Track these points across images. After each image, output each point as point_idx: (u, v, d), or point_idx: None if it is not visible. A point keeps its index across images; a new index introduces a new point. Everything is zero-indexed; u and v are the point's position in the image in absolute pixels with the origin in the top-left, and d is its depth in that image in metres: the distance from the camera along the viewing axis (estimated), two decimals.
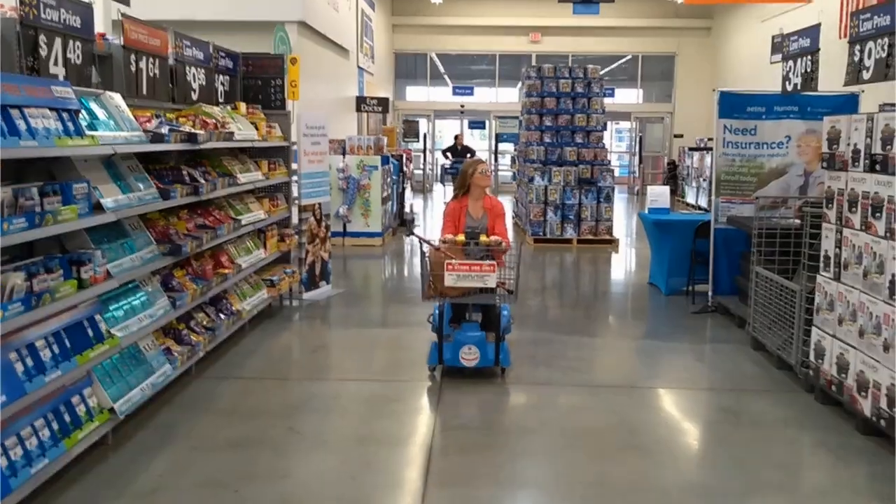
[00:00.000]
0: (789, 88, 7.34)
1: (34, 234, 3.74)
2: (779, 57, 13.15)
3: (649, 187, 10.84)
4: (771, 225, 6.85)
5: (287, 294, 8.24)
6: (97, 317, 4.52)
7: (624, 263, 12.01)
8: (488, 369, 5.85)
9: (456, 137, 20.92)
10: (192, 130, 5.83)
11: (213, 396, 5.52)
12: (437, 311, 5.84)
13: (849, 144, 5.01)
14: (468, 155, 18.37)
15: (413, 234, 6.42)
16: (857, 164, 4.90)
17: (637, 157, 25.05)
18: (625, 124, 27.96)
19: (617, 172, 27.67)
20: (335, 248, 11.96)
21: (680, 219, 9.13)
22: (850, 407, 4.93)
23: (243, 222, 6.93)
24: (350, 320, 8.07)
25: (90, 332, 4.40)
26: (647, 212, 9.43)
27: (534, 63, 21.74)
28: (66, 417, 4.12)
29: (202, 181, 6.00)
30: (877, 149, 4.68)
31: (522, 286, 10.24)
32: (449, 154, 21.41)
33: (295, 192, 8.46)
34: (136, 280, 5.20)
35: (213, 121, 6.54)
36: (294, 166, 8.46)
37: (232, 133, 6.69)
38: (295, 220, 8.48)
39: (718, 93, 8.06)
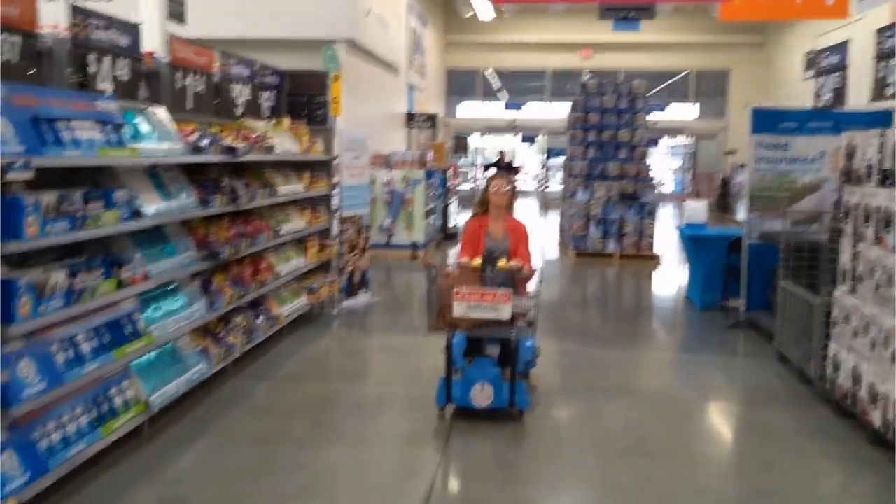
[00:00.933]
0: (820, 104, 7.37)
1: (75, 237, 4.08)
2: (811, 73, 13.06)
3: (686, 202, 10.89)
4: (799, 240, 6.89)
5: (327, 301, 8.54)
6: (136, 315, 4.86)
7: (664, 279, 12.04)
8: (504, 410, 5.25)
9: (500, 153, 20.77)
10: (232, 143, 6.16)
11: (246, 394, 5.82)
12: (455, 345, 5.18)
13: (863, 159, 5.09)
14: (514, 172, 18.25)
15: (417, 258, 5.91)
16: (870, 178, 4.97)
17: (690, 174, 24.91)
18: (679, 140, 27.85)
19: (671, 189, 27.79)
20: (378, 260, 12.28)
21: (714, 234, 9.17)
22: (863, 419, 4.98)
23: (283, 232, 7.26)
24: (385, 328, 8.34)
25: (128, 329, 4.74)
26: (683, 227, 9.50)
27: (593, 79, 21.86)
28: (104, 407, 4.45)
29: (242, 192, 6.33)
30: (888, 164, 4.75)
31: (562, 299, 10.61)
32: (493, 170, 21.47)
33: (336, 204, 8.78)
34: (176, 282, 5.54)
35: (255, 135, 6.89)
36: (335, 179, 8.78)
37: (272, 147, 7.03)
38: (335, 230, 8.79)
39: (751, 109, 8.13)
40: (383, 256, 12.27)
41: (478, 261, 5.35)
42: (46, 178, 4.31)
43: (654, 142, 27.16)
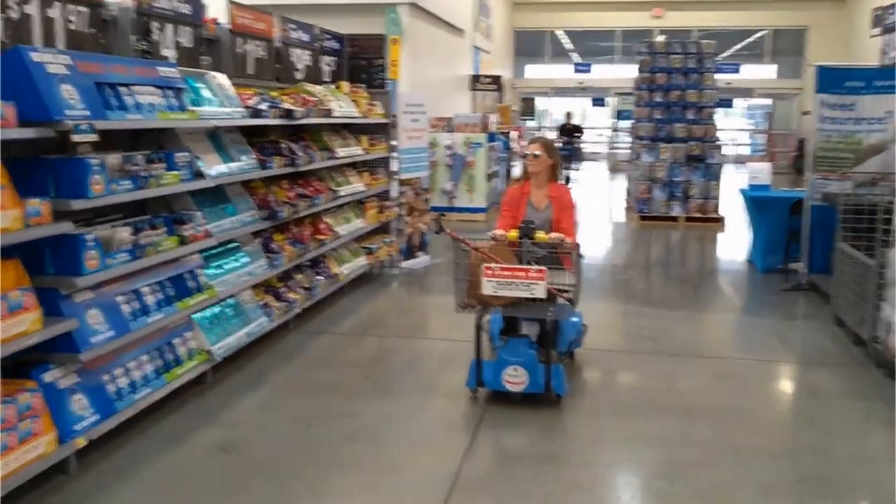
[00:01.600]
0: (885, 62, 7.17)
1: (137, 195, 4.36)
2: (878, 30, 12.51)
3: (749, 163, 10.71)
4: (858, 201, 6.77)
5: (386, 262, 8.77)
6: (198, 270, 5.15)
7: (729, 242, 11.89)
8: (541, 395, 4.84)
9: (568, 115, 19.99)
10: (290, 107, 6.38)
11: (305, 348, 6.11)
12: (493, 321, 4.82)
13: None
14: (577, 135, 18.03)
15: (443, 230, 5.11)
16: None
17: (766, 135, 24.28)
18: (755, 101, 27.11)
19: (747, 151, 27.12)
20: (440, 221, 12.44)
21: (776, 196, 9.02)
22: None
23: (341, 193, 7.49)
24: (442, 287, 8.51)
25: (191, 283, 5.03)
26: (746, 188, 9.38)
27: (655, 37, 21.43)
28: (168, 355, 4.76)
29: (300, 154, 6.56)
30: None
31: (626, 263, 10.62)
32: (558, 133, 20.21)
33: (395, 167, 8.97)
34: (238, 241, 5.83)
35: (314, 99, 7.10)
36: (394, 142, 8.96)
37: (330, 110, 7.23)
38: (394, 193, 8.99)
39: (816, 67, 7.94)
40: (445, 219, 12.46)
41: (514, 233, 4.86)
42: (114, 141, 4.62)
43: (729, 103, 26.52)
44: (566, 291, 5.02)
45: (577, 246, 4.99)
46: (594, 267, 10.09)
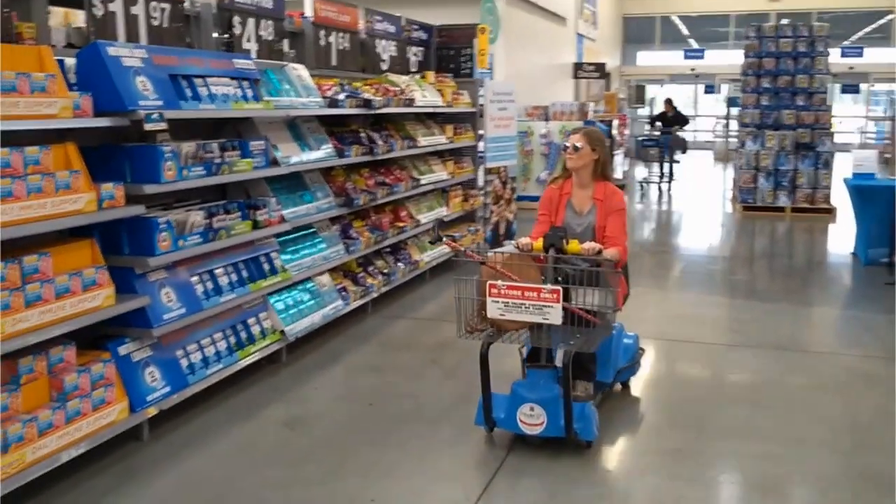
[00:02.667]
0: None
1: (210, 181, 4.63)
2: None
3: (854, 151, 10.20)
4: None
5: (472, 250, 8.87)
6: (273, 254, 5.40)
7: (837, 233, 11.38)
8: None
9: (667, 102, 17.98)
10: (369, 97, 6.57)
11: (380, 331, 6.30)
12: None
13: None
14: (679, 125, 16.64)
15: (441, 239, 4.47)
16: None
17: (893, 122, 22.94)
18: (881, 87, 25.69)
19: (872, 140, 25.70)
20: (534, 212, 12.47)
21: (882, 184, 8.59)
22: None
23: (423, 182, 7.64)
24: None
25: (266, 266, 5.29)
26: (850, 177, 8.97)
27: (772, 22, 20.63)
28: (242, 334, 5.03)
29: (379, 143, 6.75)
30: None
31: (723, 253, 10.35)
32: (658, 123, 18.12)
33: (481, 156, 9.06)
34: (315, 227, 6.07)
35: (396, 89, 7.27)
36: (481, 131, 9.04)
37: (412, 99, 7.38)
38: (480, 181, 9.08)
39: None
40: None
41: (539, 242, 4.02)
42: (195, 130, 4.92)
43: (855, 88, 25.23)
44: (601, 315, 4.00)
45: (615, 263, 4.06)
46: (691, 258, 9.91)
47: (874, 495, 3.70)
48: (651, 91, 26.64)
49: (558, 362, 4.03)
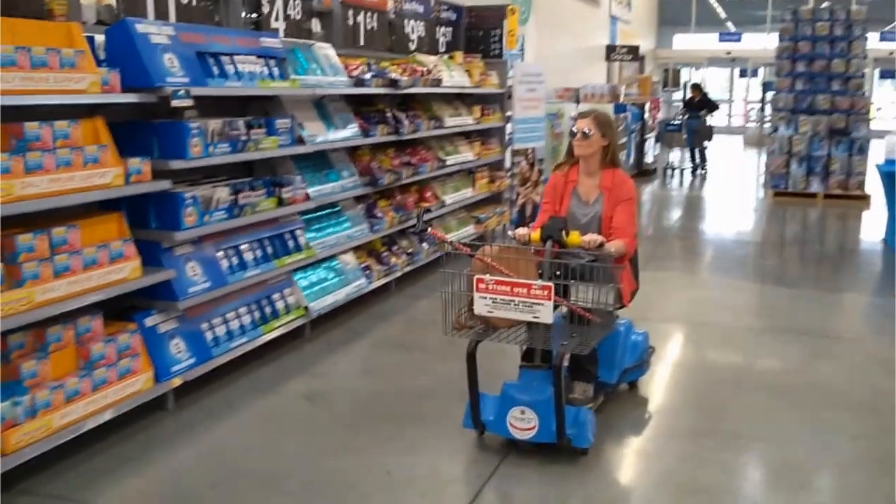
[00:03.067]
0: None
1: (235, 158, 4.70)
2: None
3: (888, 136, 10.03)
4: None
5: (497, 231, 8.90)
6: (298, 231, 5.48)
7: (869, 221, 11.22)
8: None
9: (694, 87, 17.06)
10: (396, 76, 6.60)
11: (401, 309, 6.36)
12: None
13: None
14: (707, 110, 16.06)
15: (426, 229, 3.90)
16: None
17: None
18: None
19: None
20: None
21: None
22: None
23: (449, 162, 7.66)
24: None
25: (290, 243, 5.36)
26: (882, 163, 8.83)
27: (812, 4, 20.23)
28: (266, 309, 5.11)
29: (405, 123, 6.78)
30: None
31: (751, 239, 10.27)
32: (683, 107, 17.21)
33: (508, 137, 9.06)
34: (340, 205, 6.13)
35: (423, 69, 7.29)
36: (508, 112, 9.03)
37: (440, 80, 7.40)
38: (507, 163, 9.08)
39: None
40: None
41: (536, 234, 3.74)
42: (223, 107, 4.99)
43: (893, 74, 24.74)
44: (603, 312, 3.73)
45: (619, 257, 3.80)
46: (720, 242, 9.84)
47: (893, 481, 3.68)
48: (686, 74, 26.34)
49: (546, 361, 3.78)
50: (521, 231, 3.83)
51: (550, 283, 3.42)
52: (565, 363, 3.72)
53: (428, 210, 4.86)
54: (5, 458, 3.31)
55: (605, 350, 4.17)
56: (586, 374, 4.09)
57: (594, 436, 3.78)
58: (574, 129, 4.00)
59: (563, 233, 3.66)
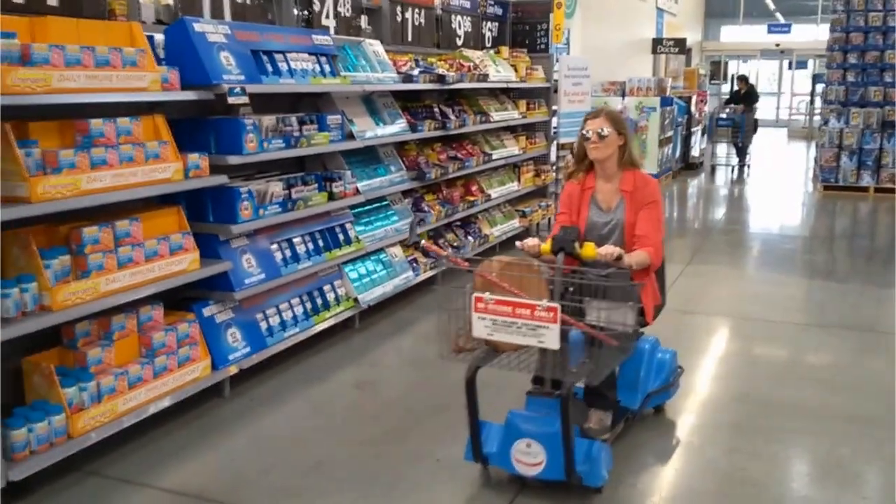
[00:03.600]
0: None
1: (288, 153, 4.80)
2: None
3: None
4: None
5: (541, 225, 8.93)
6: (348, 225, 5.58)
7: None
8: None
9: (740, 80, 16.58)
10: (443, 72, 6.66)
11: (447, 301, 6.42)
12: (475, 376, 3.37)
13: None
14: (751, 103, 15.60)
15: (419, 243, 3.60)
16: None
17: None
18: None
19: None
20: None
21: None
22: None
23: (495, 157, 7.71)
24: None
25: (341, 236, 5.47)
26: None
27: None
28: (318, 300, 5.23)
29: (452, 118, 6.84)
30: None
31: (798, 233, 10.14)
32: (728, 100, 16.82)
33: (554, 131, 9.07)
34: (388, 199, 6.22)
35: (470, 64, 7.34)
36: (554, 107, 9.04)
37: (486, 75, 7.44)
38: (553, 157, 9.10)
39: None
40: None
41: (547, 245, 3.42)
42: (276, 104, 5.11)
43: None
44: (623, 335, 3.27)
45: (642, 269, 3.50)
46: (767, 237, 9.74)
47: None
48: (733, 67, 25.97)
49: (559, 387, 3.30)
50: (531, 242, 3.50)
51: (556, 305, 2.94)
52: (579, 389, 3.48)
53: (422, 220, 4.22)
54: (73, 441, 3.46)
55: (628, 371, 3.84)
56: (603, 401, 3.65)
57: (609, 472, 3.35)
58: (586, 133, 3.61)
59: (577, 244, 3.31)
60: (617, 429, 3.72)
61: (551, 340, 2.97)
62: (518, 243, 3.58)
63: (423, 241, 3.56)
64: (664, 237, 3.74)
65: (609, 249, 3.31)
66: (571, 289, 3.25)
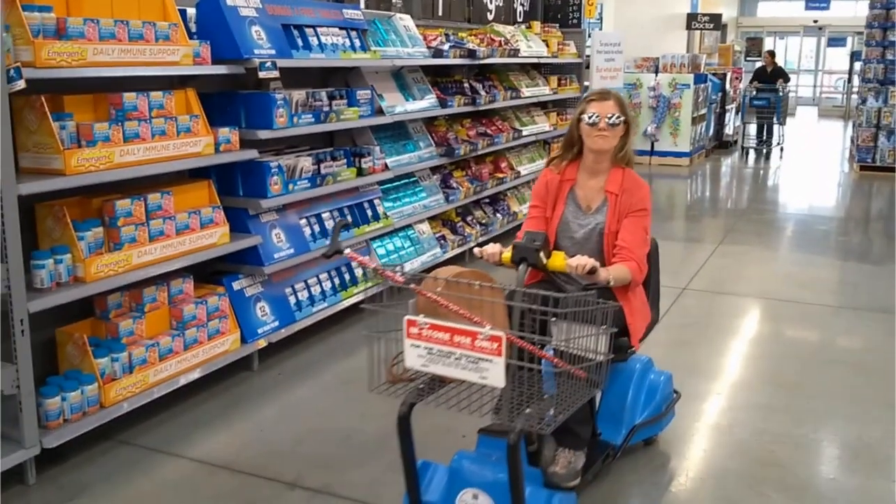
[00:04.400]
0: None
1: (318, 128, 4.82)
2: None
3: None
4: None
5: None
6: (376, 201, 5.60)
7: None
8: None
9: (768, 55, 15.71)
10: (473, 47, 6.63)
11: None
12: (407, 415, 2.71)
13: None
14: (780, 81, 14.84)
15: (341, 251, 2.80)
16: None
17: None
18: None
19: None
20: (640, 166, 12.34)
21: None
22: None
23: (524, 133, 7.68)
24: None
25: (369, 212, 5.49)
26: None
27: None
28: (346, 276, 5.27)
29: (482, 93, 6.82)
30: None
31: (832, 214, 10.00)
32: (754, 79, 15.56)
33: None
34: (417, 176, 6.23)
35: (501, 39, 7.30)
36: (586, 82, 8.98)
37: (517, 50, 7.39)
38: None
39: None
40: (645, 163, 12.35)
41: (507, 254, 2.87)
42: (306, 78, 5.13)
43: None
44: (591, 363, 2.58)
45: (641, 272, 3.06)
46: (801, 217, 9.63)
47: None
48: (769, 44, 25.53)
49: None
50: (490, 249, 2.92)
51: (502, 334, 2.27)
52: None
53: (346, 226, 3.30)
54: (105, 410, 3.54)
55: (611, 399, 3.27)
56: (574, 439, 3.00)
57: None
58: (592, 118, 3.06)
59: (542, 254, 2.74)
60: (594, 469, 3.09)
61: (495, 377, 2.31)
62: (476, 250, 2.99)
63: (347, 251, 2.77)
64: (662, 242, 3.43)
65: (581, 261, 2.76)
66: (534, 307, 2.52)
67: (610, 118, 3.07)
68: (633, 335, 3.11)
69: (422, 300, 2.57)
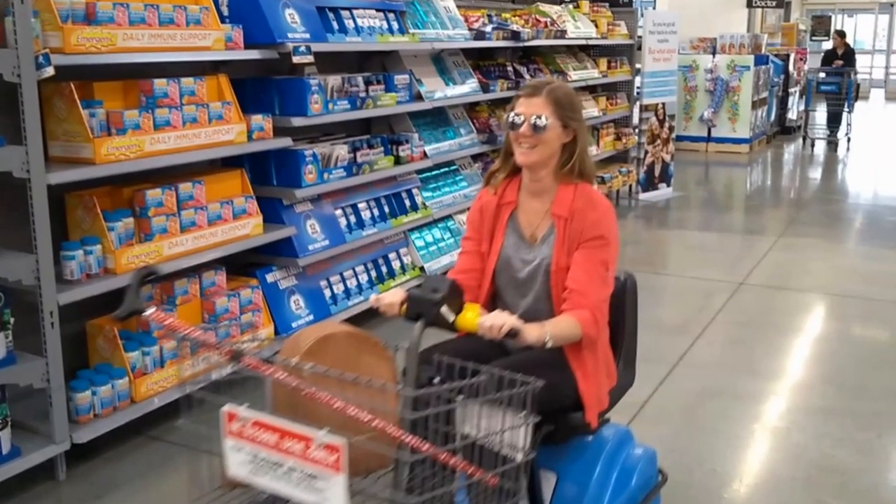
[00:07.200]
0: None
1: (354, 115, 4.86)
2: None
3: None
4: None
5: (621, 193, 8.83)
6: (415, 190, 5.63)
7: None
8: None
9: (838, 34, 15.00)
10: (517, 28, 6.61)
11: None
12: None
13: None
14: (846, 63, 13.98)
15: (142, 311, 2.02)
16: None
17: None
18: None
19: None
20: (696, 154, 12.23)
21: None
22: None
23: None
24: (678, 222, 8.46)
25: (407, 203, 5.53)
26: None
27: None
28: (383, 268, 5.31)
29: (526, 77, 6.80)
30: None
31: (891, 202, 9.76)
32: (824, 62, 14.86)
33: (637, 91, 8.93)
34: (457, 164, 6.25)
35: (546, 19, 7.27)
36: (637, 65, 8.89)
37: (564, 31, 7.35)
38: (635, 119, 8.97)
39: None
40: (702, 150, 12.22)
41: (405, 306, 2.20)
42: (341, 63, 5.17)
43: None
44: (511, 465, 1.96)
45: (596, 334, 2.39)
46: (868, 208, 9.45)
47: None
48: (838, 22, 25.00)
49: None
50: (388, 299, 2.31)
51: (341, 443, 1.68)
52: None
53: (151, 273, 2.14)
54: (136, 405, 3.62)
55: (567, 487, 2.54)
56: None
57: None
58: (514, 118, 2.42)
59: (445, 307, 2.05)
60: None
61: (335, 497, 1.71)
62: (373, 298, 2.41)
63: (149, 311, 2.05)
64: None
65: (497, 320, 2.09)
66: (438, 379, 2.08)
67: (532, 121, 2.38)
68: (587, 408, 2.43)
69: (277, 388, 2.00)
